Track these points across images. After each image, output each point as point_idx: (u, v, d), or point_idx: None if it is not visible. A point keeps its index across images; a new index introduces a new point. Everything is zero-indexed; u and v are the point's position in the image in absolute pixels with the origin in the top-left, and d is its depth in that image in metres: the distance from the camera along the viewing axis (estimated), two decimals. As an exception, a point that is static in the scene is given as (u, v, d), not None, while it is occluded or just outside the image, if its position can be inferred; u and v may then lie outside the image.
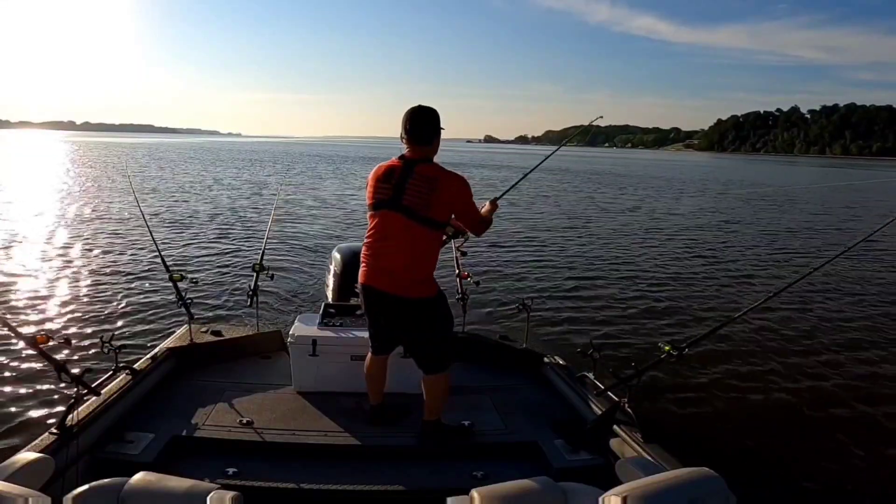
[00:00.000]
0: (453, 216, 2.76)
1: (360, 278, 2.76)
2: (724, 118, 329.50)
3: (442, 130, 2.70)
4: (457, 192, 2.64)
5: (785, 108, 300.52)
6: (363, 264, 2.74)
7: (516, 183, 3.59)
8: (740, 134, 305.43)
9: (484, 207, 3.01)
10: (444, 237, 3.01)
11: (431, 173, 2.59)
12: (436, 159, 2.71)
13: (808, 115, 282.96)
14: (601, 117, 3.79)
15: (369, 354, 3.00)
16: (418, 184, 2.56)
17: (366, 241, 2.74)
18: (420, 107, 2.65)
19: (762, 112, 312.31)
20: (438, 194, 2.56)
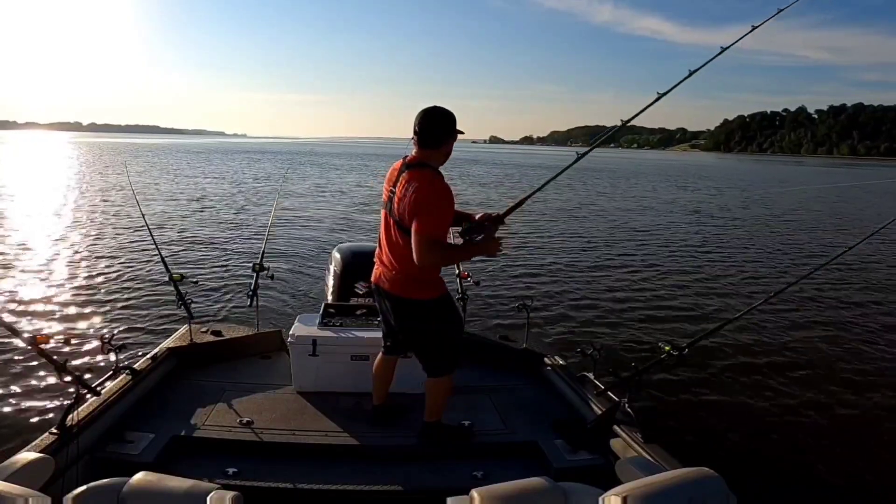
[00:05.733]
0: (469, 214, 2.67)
1: (372, 277, 2.81)
2: (730, 118, 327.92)
3: (460, 134, 2.57)
4: (413, 197, 2.42)
5: (792, 109, 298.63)
6: (375, 263, 2.79)
7: (516, 206, 2.83)
8: (746, 134, 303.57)
9: (496, 228, 2.62)
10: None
11: (413, 179, 2.49)
12: None
13: (816, 116, 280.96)
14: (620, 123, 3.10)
15: (380, 354, 3.00)
16: (401, 188, 2.51)
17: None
18: (433, 108, 2.54)
19: (769, 112, 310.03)
20: (407, 200, 2.45)
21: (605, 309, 7.21)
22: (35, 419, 3.88)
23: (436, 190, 2.46)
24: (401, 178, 2.54)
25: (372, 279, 2.81)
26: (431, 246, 2.43)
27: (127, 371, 3.07)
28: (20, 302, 6.59)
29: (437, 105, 2.55)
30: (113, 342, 2.84)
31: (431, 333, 2.73)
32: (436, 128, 2.54)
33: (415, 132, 2.53)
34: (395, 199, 2.54)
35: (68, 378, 2.48)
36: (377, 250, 2.77)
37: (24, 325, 5.70)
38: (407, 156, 2.62)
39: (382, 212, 2.70)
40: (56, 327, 5.75)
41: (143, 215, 4.89)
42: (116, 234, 11.15)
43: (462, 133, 2.59)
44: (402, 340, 2.88)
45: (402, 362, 3.08)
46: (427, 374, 2.78)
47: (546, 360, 3.66)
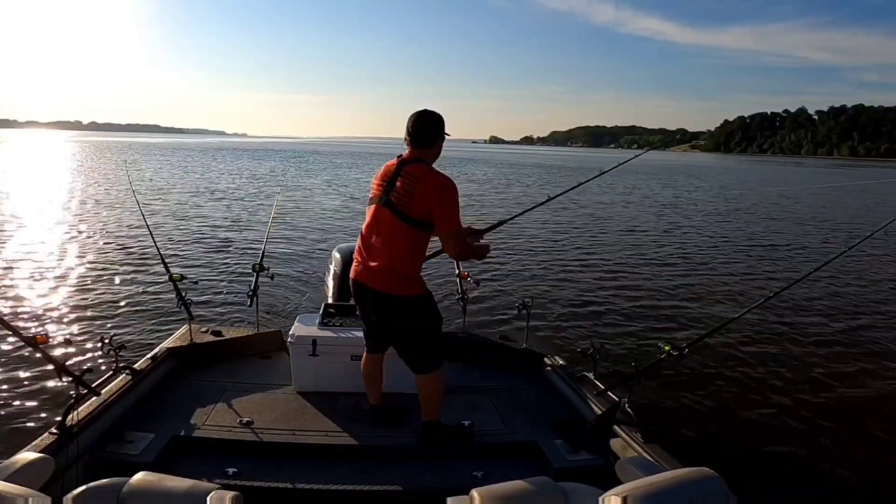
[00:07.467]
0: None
1: (351, 273, 2.80)
2: (730, 119, 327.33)
3: (447, 136, 2.75)
4: (432, 192, 2.57)
5: (792, 109, 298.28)
6: (354, 260, 2.79)
7: (504, 221, 3.35)
8: (747, 135, 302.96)
9: (475, 241, 2.94)
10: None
11: (417, 172, 2.60)
12: (443, 157, 2.78)
13: (816, 117, 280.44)
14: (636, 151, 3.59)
15: (365, 353, 3.01)
16: (404, 182, 2.59)
17: (360, 235, 2.78)
18: (425, 111, 2.71)
19: (769, 113, 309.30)
20: (418, 193, 2.56)
21: (605, 309, 7.21)
22: (35, 419, 3.88)
23: (443, 180, 2.60)
24: (401, 173, 2.62)
25: (351, 275, 2.80)
26: (461, 236, 2.71)
27: (127, 371, 3.07)
28: (20, 302, 6.58)
29: (427, 109, 2.73)
30: (113, 342, 2.84)
31: (423, 330, 2.74)
32: (429, 128, 2.69)
33: (408, 132, 2.68)
34: (396, 192, 2.59)
35: (68, 378, 2.48)
36: (358, 247, 2.77)
37: (24, 325, 5.70)
38: (401, 154, 2.72)
39: (371, 208, 2.72)
40: (56, 327, 5.74)
41: (143, 215, 4.89)
42: (116, 233, 11.14)
43: (449, 135, 2.77)
44: (387, 337, 2.88)
45: (400, 362, 3.08)
46: (416, 372, 2.78)
47: (546, 360, 3.66)
